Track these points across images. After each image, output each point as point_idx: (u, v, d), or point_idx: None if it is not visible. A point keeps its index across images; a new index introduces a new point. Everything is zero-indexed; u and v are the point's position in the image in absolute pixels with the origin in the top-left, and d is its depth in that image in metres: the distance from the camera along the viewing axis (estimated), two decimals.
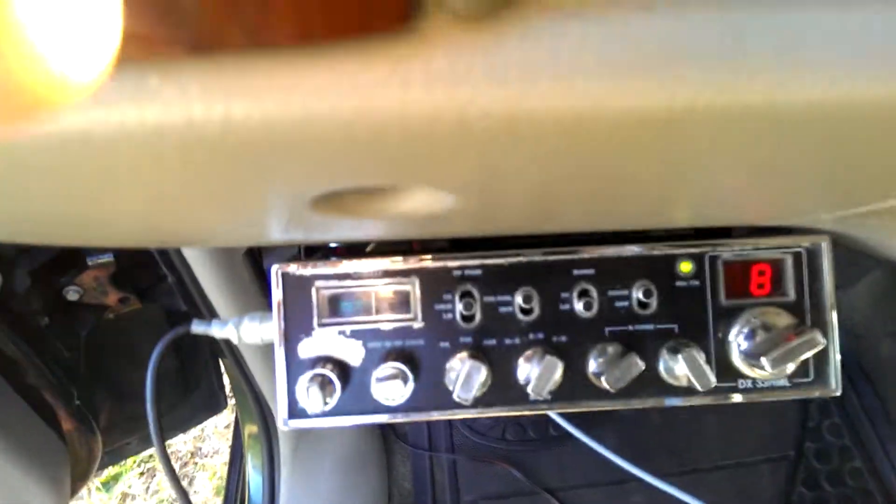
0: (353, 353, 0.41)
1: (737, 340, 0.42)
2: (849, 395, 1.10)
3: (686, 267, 0.42)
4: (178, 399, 1.13)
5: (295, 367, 0.41)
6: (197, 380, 1.15)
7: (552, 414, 0.99)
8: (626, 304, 0.42)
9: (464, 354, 0.41)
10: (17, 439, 0.67)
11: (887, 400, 1.07)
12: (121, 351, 1.02)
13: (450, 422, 1.14)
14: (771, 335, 0.40)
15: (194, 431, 1.82)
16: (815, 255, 0.42)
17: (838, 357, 0.42)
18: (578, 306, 0.42)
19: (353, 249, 0.43)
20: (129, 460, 1.79)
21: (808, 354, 0.38)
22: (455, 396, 0.39)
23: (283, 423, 0.41)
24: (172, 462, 1.84)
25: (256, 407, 0.98)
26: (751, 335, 0.41)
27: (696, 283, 0.42)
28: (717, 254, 0.42)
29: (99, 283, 0.85)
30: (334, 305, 0.42)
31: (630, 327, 0.42)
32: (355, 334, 0.42)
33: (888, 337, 1.09)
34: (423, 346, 0.42)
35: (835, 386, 0.42)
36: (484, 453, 1.10)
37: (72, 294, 0.83)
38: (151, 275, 0.96)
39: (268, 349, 0.88)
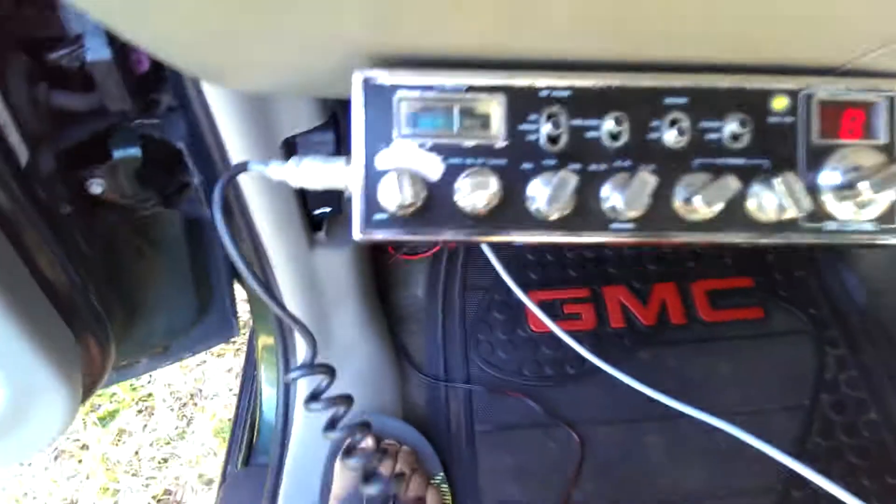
0: (433, 167, 0.40)
1: (828, 178, 0.40)
2: (867, 349, 1.09)
3: (780, 103, 0.41)
4: (190, 320, 1.11)
5: (373, 177, 0.40)
6: (209, 301, 1.13)
7: (579, 349, 0.98)
8: (717, 136, 0.41)
9: (548, 173, 0.39)
10: (33, 328, 0.65)
11: None
12: (138, 260, 1.00)
13: (466, 355, 1.13)
14: (863, 171, 0.39)
15: (195, 373, 1.80)
16: None
17: None
18: (669, 135, 0.40)
19: (436, 64, 0.41)
20: (129, 397, 1.76)
21: None
22: (541, 209, 0.38)
23: (360, 232, 0.39)
24: (172, 401, 1.82)
25: (276, 318, 0.97)
26: (843, 173, 0.40)
27: (790, 119, 0.41)
28: (812, 92, 0.41)
29: (123, 177, 0.82)
30: (415, 118, 0.40)
31: (720, 160, 0.41)
32: (436, 148, 0.40)
33: None
34: (505, 166, 0.40)
35: None
36: (500, 386, 1.09)
37: (94, 187, 0.80)
38: (177, 179, 0.94)
39: (292, 251, 0.87)
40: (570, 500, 0.99)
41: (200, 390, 1.77)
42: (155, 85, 0.78)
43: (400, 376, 1.11)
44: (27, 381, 0.66)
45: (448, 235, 0.40)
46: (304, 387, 1.00)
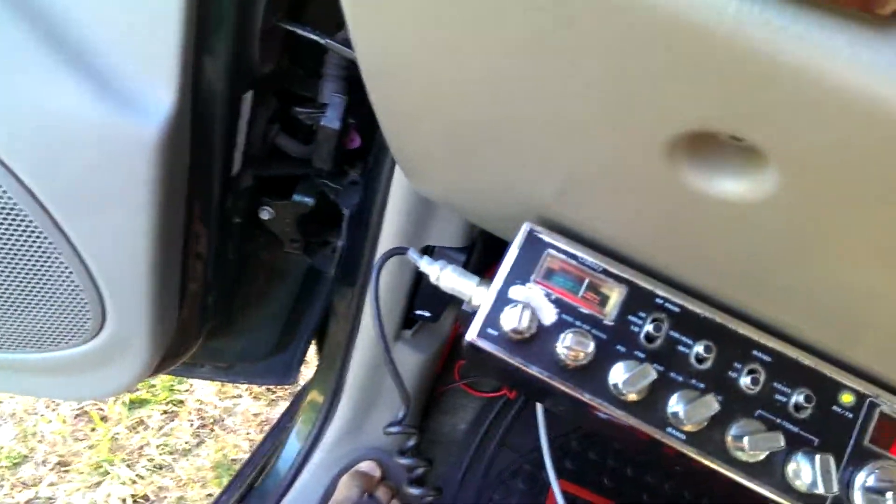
0: (549, 314, 0.49)
1: (863, 480, 0.45)
2: None
3: (847, 398, 0.47)
4: (263, 353, 1.20)
5: (501, 300, 0.49)
6: (287, 345, 1.22)
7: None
8: (784, 399, 0.47)
9: (634, 361, 0.47)
10: (159, 292, 0.76)
11: None
12: (257, 284, 1.12)
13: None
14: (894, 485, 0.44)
15: (227, 402, 1.87)
16: None
17: None
18: (744, 380, 0.47)
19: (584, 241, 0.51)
20: (161, 394, 1.85)
21: None
22: (619, 384, 0.45)
23: (476, 335, 0.48)
24: (195, 417, 1.88)
25: (336, 379, 1.03)
26: (878, 480, 0.45)
27: (850, 416, 0.47)
28: (878, 403, 0.47)
29: (289, 216, 0.97)
30: (553, 273, 0.50)
31: (779, 420, 0.47)
32: (557, 302, 0.49)
33: None
34: (604, 341, 0.48)
35: None
36: None
37: (264, 213, 0.95)
38: (325, 235, 1.07)
39: (375, 345, 0.95)
40: None
41: (223, 419, 1.83)
42: (353, 160, 0.94)
43: None
44: (130, 326, 0.77)
45: (534, 370, 0.48)
46: (328, 450, 1.04)
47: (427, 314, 0.95)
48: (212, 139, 0.69)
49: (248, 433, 1.80)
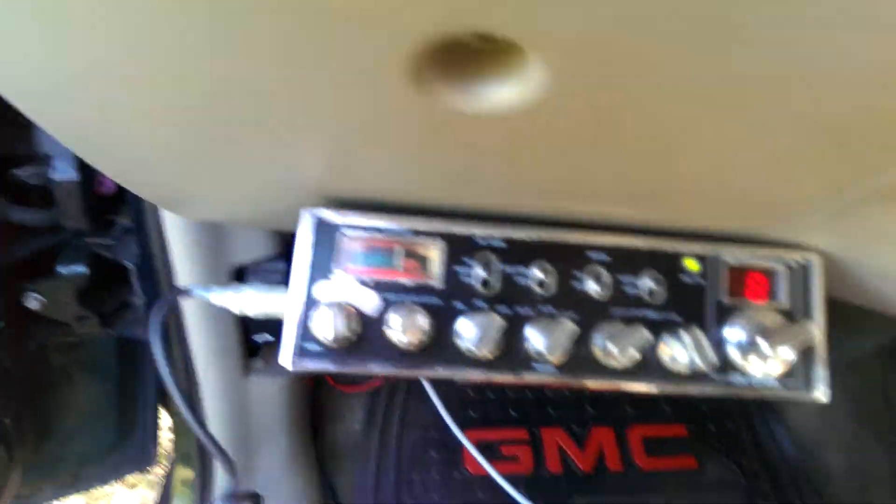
0: (369, 303, 0.42)
1: (734, 335, 0.44)
2: (795, 502, 1.10)
3: (692, 265, 0.45)
4: (108, 447, 1.05)
5: (309, 306, 0.41)
6: (133, 428, 1.08)
7: (516, 495, 0.96)
8: (634, 290, 0.44)
9: (476, 313, 0.42)
10: None
11: None
12: (63, 381, 0.96)
13: (398, 497, 1.09)
14: (765, 330, 0.43)
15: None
16: (807, 270, 0.46)
17: (826, 369, 0.45)
18: (590, 286, 0.44)
19: (380, 208, 0.44)
20: None
21: (803, 341, 0.41)
22: (471, 347, 0.40)
23: (291, 362, 0.40)
24: None
25: (198, 451, 0.92)
26: (746, 331, 0.43)
27: (701, 280, 0.45)
28: (721, 257, 0.46)
29: (64, 294, 0.81)
30: (357, 254, 0.42)
31: (636, 312, 0.44)
32: (374, 284, 0.42)
33: (838, 452, 1.12)
34: (440, 306, 0.42)
35: (820, 391, 0.44)
36: None
37: (32, 302, 0.79)
38: (117, 298, 0.93)
39: (226, 376, 0.85)
40: None
41: None
42: (115, 206, 0.79)
43: None
44: None
45: (377, 369, 0.41)
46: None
47: (268, 336, 0.85)
48: None
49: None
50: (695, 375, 0.43)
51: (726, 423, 1.21)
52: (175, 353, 0.82)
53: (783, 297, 0.46)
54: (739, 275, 0.46)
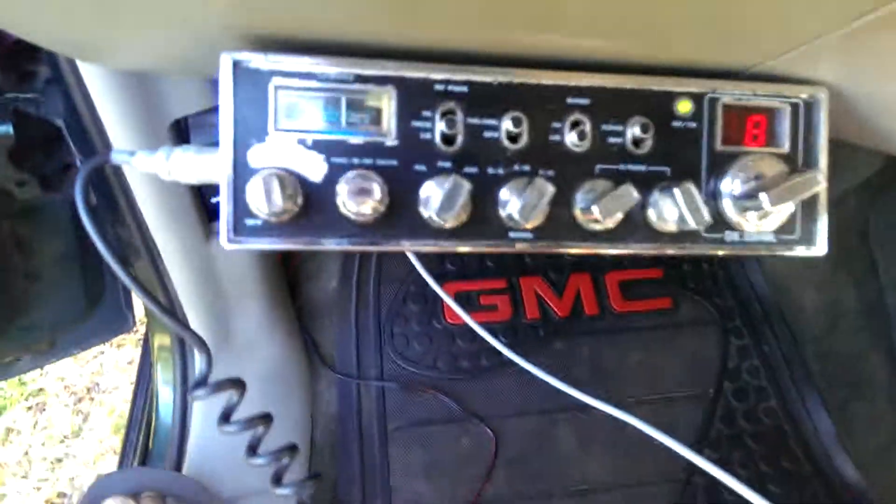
0: (314, 167, 0.36)
1: (730, 187, 0.39)
2: (769, 339, 1.13)
3: (685, 107, 0.39)
4: (79, 313, 1.03)
5: (244, 176, 0.35)
6: (101, 292, 1.05)
7: (494, 342, 0.97)
8: (619, 140, 0.39)
9: (441, 177, 0.36)
10: None
11: (804, 345, 1.11)
12: (20, 250, 0.91)
13: (380, 350, 1.09)
14: (765, 181, 0.38)
15: (92, 365, 1.68)
16: (812, 108, 0.40)
17: (825, 217, 0.41)
18: (570, 138, 0.38)
19: (319, 49, 0.37)
20: (17, 392, 1.63)
21: (807, 194, 0.36)
22: (434, 216, 0.34)
23: (227, 240, 0.35)
24: (66, 396, 1.70)
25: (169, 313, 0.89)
26: (744, 182, 0.39)
27: (694, 124, 0.39)
28: (718, 96, 0.39)
29: None
30: (295, 109, 0.36)
31: (622, 166, 0.39)
32: (318, 145, 0.36)
33: (811, 289, 1.13)
34: (396, 167, 0.36)
35: (820, 245, 0.41)
36: (414, 382, 1.06)
37: None
38: (57, 160, 0.85)
39: (186, 243, 0.80)
40: (481, 496, 0.98)
41: (98, 384, 1.66)
42: (29, 55, 0.70)
43: (309, 374, 1.06)
44: None
45: (330, 245, 0.36)
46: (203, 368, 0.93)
47: None
48: None
49: (131, 383, 1.65)
50: (683, 234, 0.39)
51: (701, 264, 1.22)
52: (127, 220, 0.76)
53: (784, 141, 0.40)
54: (737, 117, 0.40)
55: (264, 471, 0.66)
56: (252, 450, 0.61)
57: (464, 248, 0.37)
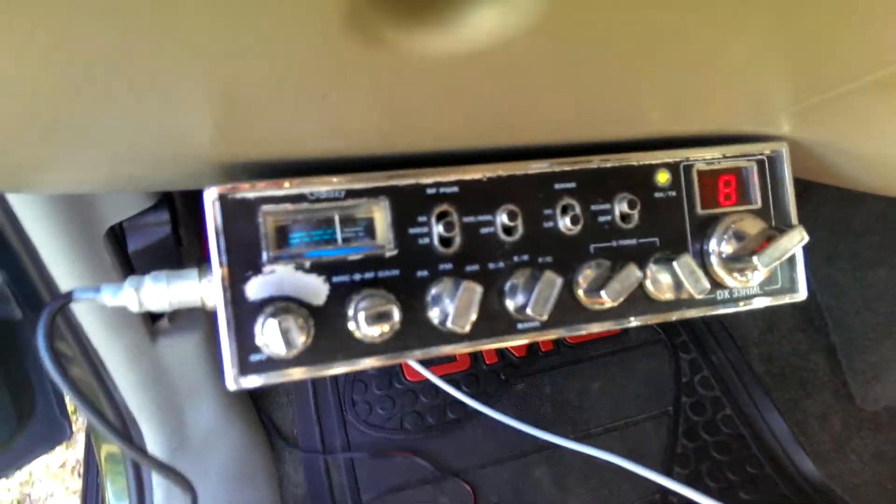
0: (316, 291, 0.34)
1: (717, 249, 0.41)
2: (714, 349, 1.18)
3: (664, 177, 0.40)
4: (11, 432, 0.94)
5: (245, 311, 0.33)
6: (32, 405, 0.96)
7: (457, 394, 0.96)
8: (608, 218, 0.39)
9: (447, 281, 0.35)
10: None
11: (747, 349, 1.17)
12: None
13: (343, 420, 1.06)
14: (746, 241, 0.40)
15: (21, 474, 1.54)
16: (775, 162, 0.43)
17: (803, 263, 0.43)
18: (563, 223, 0.38)
19: (304, 170, 0.35)
20: None
21: (794, 251, 0.38)
22: (449, 324, 0.34)
23: (234, 382, 0.32)
24: None
25: (118, 421, 0.83)
26: (727, 243, 0.40)
27: (674, 193, 0.41)
28: (691, 163, 0.41)
29: None
30: (287, 235, 0.34)
31: (614, 243, 0.39)
32: (316, 267, 0.34)
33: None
34: (398, 277, 0.35)
35: (801, 290, 0.43)
36: (382, 447, 1.03)
37: None
38: None
39: (130, 348, 0.75)
40: None
41: (29, 494, 1.52)
42: None
43: (273, 458, 1.01)
44: None
45: (341, 368, 0.34)
46: (160, 495, 0.87)
47: None
48: None
49: (67, 487, 1.52)
50: (680, 301, 0.40)
51: None
52: (65, 334, 0.71)
53: (756, 198, 0.42)
54: (711, 180, 0.42)
55: None
56: None
57: (477, 349, 0.37)
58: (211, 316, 0.84)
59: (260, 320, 0.31)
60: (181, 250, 0.74)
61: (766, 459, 1.07)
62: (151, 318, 0.76)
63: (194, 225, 0.78)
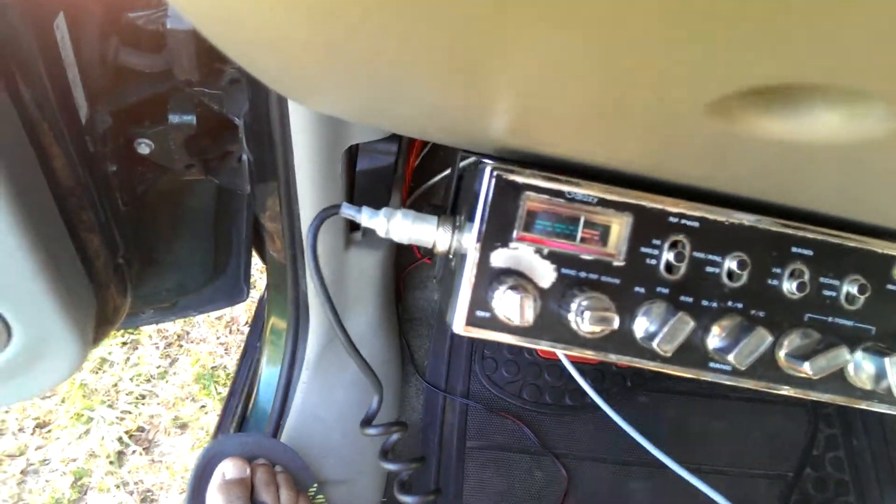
0: (545, 275, 0.38)
1: None
2: (859, 434, 1.11)
3: None
4: (204, 280, 1.10)
5: (485, 273, 0.38)
6: (226, 264, 1.12)
7: (583, 383, 0.99)
8: (833, 294, 0.40)
9: (661, 304, 0.38)
10: (56, 280, 0.63)
11: (893, 445, 1.09)
12: (166, 218, 0.98)
13: (470, 368, 1.13)
14: None
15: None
16: None
17: None
18: (788, 285, 0.40)
19: (566, 170, 0.39)
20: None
21: None
22: (654, 344, 0.37)
23: (461, 328, 0.38)
24: (158, 339, 1.80)
25: (293, 305, 0.95)
26: None
27: None
28: None
29: (173, 142, 0.80)
30: (535, 220, 0.38)
31: (830, 319, 0.40)
32: (552, 256, 0.39)
33: None
34: (618, 286, 0.39)
35: None
36: (497, 406, 1.09)
37: (143, 147, 0.78)
38: (221, 148, 0.91)
39: (328, 248, 0.85)
40: None
41: (188, 332, 1.76)
42: (219, 54, 0.75)
43: (401, 377, 1.11)
44: (42, 328, 0.65)
45: (547, 346, 0.39)
46: (307, 374, 0.99)
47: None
48: (38, 92, 0.52)
49: (217, 338, 1.74)
50: (876, 393, 0.40)
51: None
52: (283, 222, 0.82)
53: None
54: None
55: (355, 453, 0.69)
56: (383, 453, 0.64)
57: (665, 371, 0.40)
58: (394, 243, 0.93)
59: (499, 287, 0.36)
60: (394, 178, 0.82)
61: None
62: (350, 228, 0.86)
63: (406, 163, 0.86)
